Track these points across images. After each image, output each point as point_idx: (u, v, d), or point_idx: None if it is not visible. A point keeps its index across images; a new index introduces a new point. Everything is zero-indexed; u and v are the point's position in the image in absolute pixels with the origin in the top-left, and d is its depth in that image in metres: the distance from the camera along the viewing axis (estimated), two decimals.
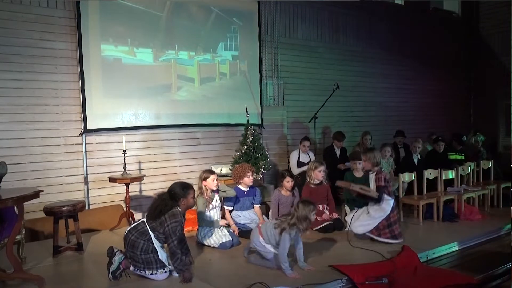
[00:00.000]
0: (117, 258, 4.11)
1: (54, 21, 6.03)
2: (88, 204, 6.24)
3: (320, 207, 5.83)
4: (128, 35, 6.57)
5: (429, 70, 10.76)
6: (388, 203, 5.17)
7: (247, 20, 7.78)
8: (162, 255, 4.12)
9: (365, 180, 5.88)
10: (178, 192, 4.21)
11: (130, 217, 5.96)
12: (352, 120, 9.32)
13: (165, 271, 4.10)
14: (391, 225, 5.15)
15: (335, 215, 5.86)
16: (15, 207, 4.14)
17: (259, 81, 7.90)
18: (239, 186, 5.76)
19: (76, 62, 6.14)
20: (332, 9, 9.09)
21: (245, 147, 6.72)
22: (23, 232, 4.61)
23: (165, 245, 4.17)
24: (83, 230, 5.32)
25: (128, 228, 4.26)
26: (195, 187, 4.76)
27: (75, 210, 4.90)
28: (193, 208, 4.88)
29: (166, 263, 4.10)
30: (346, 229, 5.51)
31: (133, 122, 6.62)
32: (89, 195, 6.29)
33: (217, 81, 7.48)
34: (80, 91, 6.14)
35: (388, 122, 9.82)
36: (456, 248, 5.19)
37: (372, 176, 5.29)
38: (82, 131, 6.19)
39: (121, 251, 4.21)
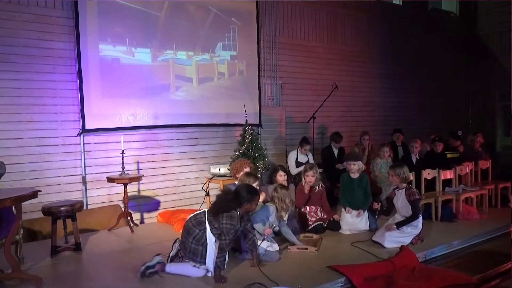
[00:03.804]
0: (158, 258, 4.17)
1: (52, 21, 6.02)
2: (86, 204, 6.23)
3: (313, 208, 5.81)
4: (127, 35, 6.56)
5: (427, 70, 10.77)
6: (419, 219, 5.14)
7: (245, 20, 7.78)
8: (211, 252, 4.11)
9: (360, 182, 5.89)
10: (244, 196, 4.22)
11: (128, 217, 5.95)
12: (351, 120, 9.32)
13: (206, 269, 4.13)
14: (420, 236, 5.16)
15: (336, 217, 5.80)
16: (13, 207, 4.13)
17: (257, 81, 7.90)
18: None
19: (74, 62, 6.13)
20: (331, 9, 9.09)
21: (244, 147, 6.72)
22: (21, 232, 4.59)
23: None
24: (81, 230, 5.32)
25: (191, 215, 4.35)
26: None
27: (73, 210, 4.90)
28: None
29: (209, 262, 4.11)
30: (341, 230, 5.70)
31: (132, 122, 6.61)
32: (87, 195, 6.28)
33: (216, 81, 7.47)
34: (78, 91, 6.13)
35: (387, 122, 9.83)
36: (454, 248, 5.19)
37: (401, 192, 5.22)
38: (80, 131, 6.17)
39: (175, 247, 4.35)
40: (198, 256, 4.10)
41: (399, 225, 5.04)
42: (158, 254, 4.30)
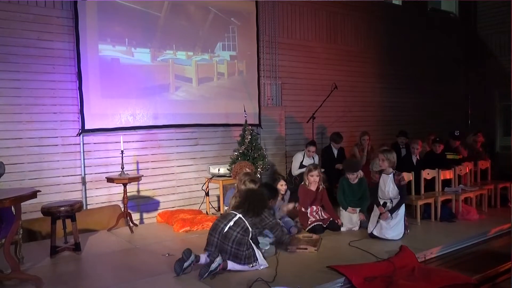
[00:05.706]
0: (218, 259, 4.22)
1: (52, 21, 6.02)
2: (86, 204, 6.22)
3: (314, 208, 5.83)
4: (126, 35, 6.56)
5: (427, 70, 10.77)
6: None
7: (245, 20, 7.78)
8: (258, 248, 4.46)
9: (359, 187, 6.04)
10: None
11: (128, 217, 5.95)
12: (350, 120, 9.31)
13: (262, 264, 4.39)
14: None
15: (340, 222, 5.81)
16: (13, 207, 4.13)
17: (257, 81, 7.90)
18: None
19: (74, 62, 6.13)
20: (330, 9, 9.09)
21: (243, 147, 6.72)
22: (21, 232, 4.59)
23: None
24: (80, 230, 5.32)
25: (229, 224, 4.36)
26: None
27: (73, 210, 4.90)
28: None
29: (260, 258, 4.40)
30: (343, 228, 5.79)
31: (131, 122, 6.60)
32: (87, 195, 6.27)
33: (215, 81, 7.47)
34: (78, 91, 6.13)
35: (386, 122, 9.83)
36: (454, 248, 5.19)
37: (389, 177, 5.37)
38: (80, 131, 6.17)
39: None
40: (252, 257, 4.34)
41: (393, 211, 5.29)
42: (218, 255, 4.28)
